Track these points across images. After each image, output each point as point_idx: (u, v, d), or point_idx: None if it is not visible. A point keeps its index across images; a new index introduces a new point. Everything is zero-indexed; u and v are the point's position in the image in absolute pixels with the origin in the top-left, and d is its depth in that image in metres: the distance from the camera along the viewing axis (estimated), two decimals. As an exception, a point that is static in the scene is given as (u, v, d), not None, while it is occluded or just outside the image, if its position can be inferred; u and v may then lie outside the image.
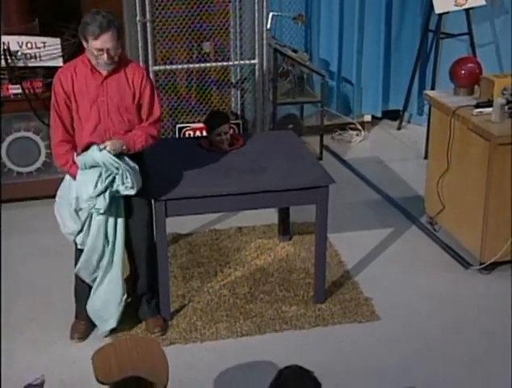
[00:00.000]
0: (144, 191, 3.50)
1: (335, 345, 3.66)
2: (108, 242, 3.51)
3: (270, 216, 4.69)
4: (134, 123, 3.47)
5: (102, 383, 2.69)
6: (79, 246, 3.55)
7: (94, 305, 3.61)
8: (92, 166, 3.37)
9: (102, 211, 3.41)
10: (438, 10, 5.62)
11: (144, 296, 3.72)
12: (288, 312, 3.89)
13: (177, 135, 5.29)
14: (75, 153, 3.41)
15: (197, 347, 3.63)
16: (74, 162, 3.41)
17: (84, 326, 3.70)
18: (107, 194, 3.39)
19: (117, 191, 3.42)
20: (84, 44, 3.34)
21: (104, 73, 3.37)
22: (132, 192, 3.43)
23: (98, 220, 3.46)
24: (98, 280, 3.58)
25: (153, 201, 3.60)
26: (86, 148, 3.39)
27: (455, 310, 3.93)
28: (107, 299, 3.59)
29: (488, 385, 3.34)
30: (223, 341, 3.68)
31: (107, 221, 3.48)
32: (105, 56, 3.28)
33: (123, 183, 3.39)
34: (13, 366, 3.43)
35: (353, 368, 3.49)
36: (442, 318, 3.87)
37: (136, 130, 3.46)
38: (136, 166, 3.45)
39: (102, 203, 3.39)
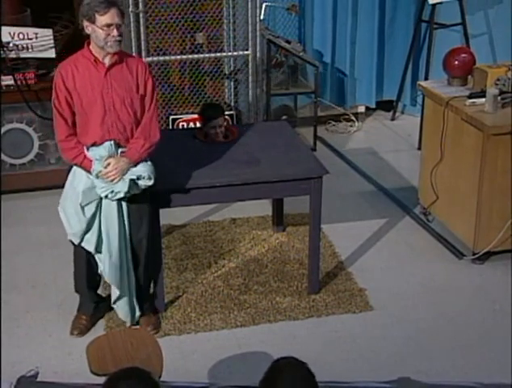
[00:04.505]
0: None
1: (329, 336, 3.67)
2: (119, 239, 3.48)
3: (264, 207, 4.70)
4: (139, 114, 3.42)
5: (97, 374, 2.70)
6: (86, 247, 3.49)
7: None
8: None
9: (122, 194, 3.36)
10: (431, 0, 5.62)
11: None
12: (282, 303, 3.89)
13: (170, 126, 5.28)
14: (85, 148, 3.37)
15: (191, 339, 3.64)
16: (85, 156, 3.37)
17: (84, 321, 3.68)
18: (127, 177, 3.36)
19: (136, 183, 3.39)
20: (88, 27, 3.26)
21: (107, 63, 3.32)
22: (150, 183, 3.42)
23: (104, 216, 3.42)
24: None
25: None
26: (95, 143, 3.36)
27: (448, 300, 3.94)
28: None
29: (481, 373, 3.36)
30: (217, 332, 3.68)
31: (117, 213, 3.43)
32: (115, 31, 3.23)
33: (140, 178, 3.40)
34: (7, 358, 3.43)
35: (347, 358, 3.50)
36: (435, 308, 3.88)
37: (138, 139, 3.41)
38: (149, 161, 3.44)
39: (121, 186, 3.35)
